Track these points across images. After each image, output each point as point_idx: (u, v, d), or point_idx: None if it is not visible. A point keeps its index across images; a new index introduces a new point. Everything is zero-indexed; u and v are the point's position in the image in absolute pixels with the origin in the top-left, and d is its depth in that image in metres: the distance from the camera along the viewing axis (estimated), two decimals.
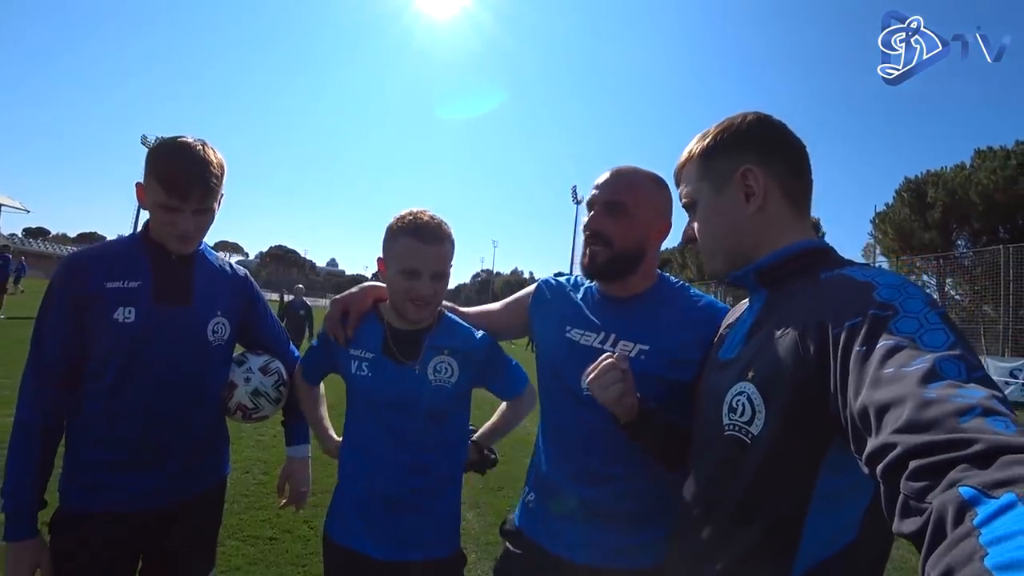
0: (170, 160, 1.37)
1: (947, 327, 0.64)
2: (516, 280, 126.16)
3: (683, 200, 1.09)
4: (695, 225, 1.07)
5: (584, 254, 1.34)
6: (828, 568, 0.80)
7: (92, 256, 1.47)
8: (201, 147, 1.41)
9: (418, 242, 1.36)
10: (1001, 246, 15.56)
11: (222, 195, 1.49)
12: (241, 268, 1.72)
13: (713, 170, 1.01)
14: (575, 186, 57.73)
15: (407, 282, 1.37)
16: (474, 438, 1.60)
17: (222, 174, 1.45)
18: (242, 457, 4.93)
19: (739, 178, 0.97)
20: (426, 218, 1.39)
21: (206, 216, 1.46)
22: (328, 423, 1.73)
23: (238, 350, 1.68)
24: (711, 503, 0.94)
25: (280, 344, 1.79)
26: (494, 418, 1.70)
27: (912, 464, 0.50)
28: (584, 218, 1.37)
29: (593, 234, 1.31)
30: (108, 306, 1.39)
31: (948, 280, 20.51)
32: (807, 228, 1.00)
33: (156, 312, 1.44)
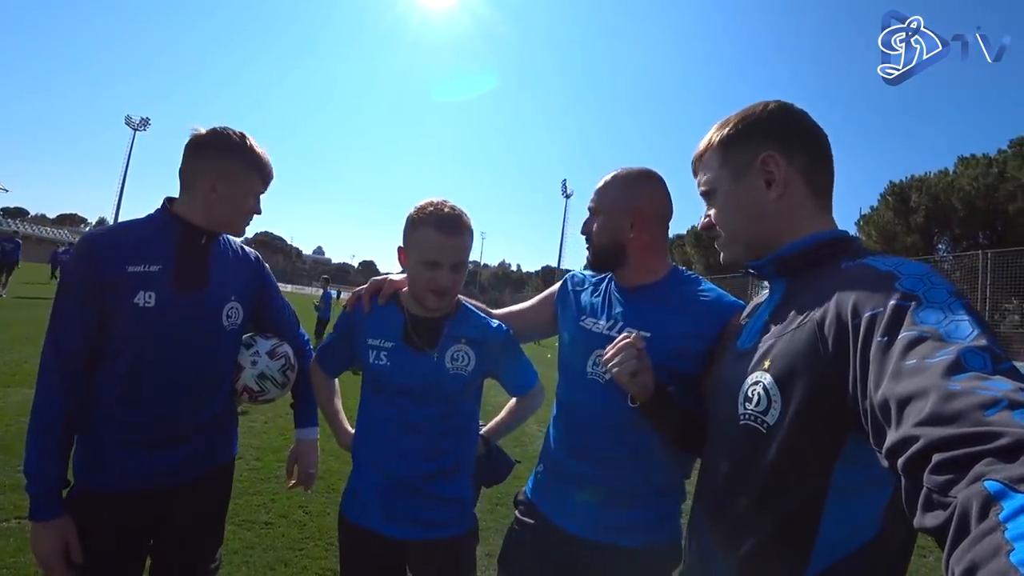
0: None
1: (972, 318, 0.62)
2: (503, 272, 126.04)
3: (701, 188, 1.08)
4: (711, 213, 1.07)
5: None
6: (848, 565, 0.80)
7: (112, 237, 1.46)
8: (241, 136, 1.54)
9: (439, 234, 1.39)
10: (980, 251, 15.88)
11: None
12: (252, 251, 1.73)
13: (733, 157, 1.01)
14: (565, 180, 57.75)
15: (428, 272, 1.41)
16: (482, 432, 1.66)
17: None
18: None
19: (759, 164, 0.97)
20: (447, 209, 1.42)
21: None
22: (343, 416, 1.75)
23: (247, 332, 1.71)
24: (726, 493, 0.94)
25: (290, 327, 1.81)
26: (502, 414, 1.75)
27: (935, 457, 0.49)
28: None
29: (583, 235, 1.50)
30: (129, 290, 1.40)
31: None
32: (829, 218, 0.99)
33: (175, 297, 1.45)
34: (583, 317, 1.48)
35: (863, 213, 26.41)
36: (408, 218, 1.45)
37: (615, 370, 1.14)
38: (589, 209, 1.48)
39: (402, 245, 1.49)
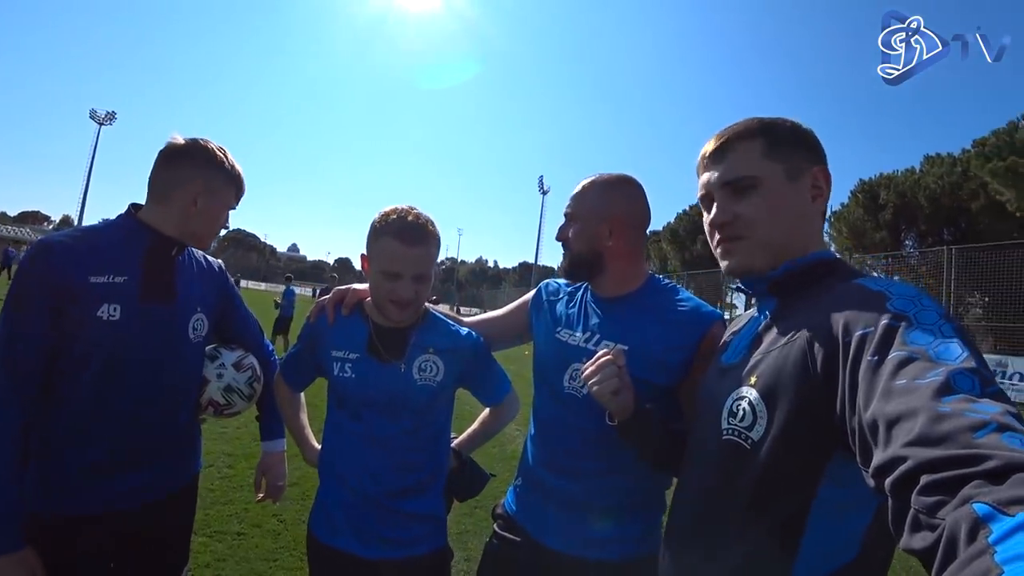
0: None
1: (962, 340, 0.62)
2: (480, 268, 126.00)
3: (731, 176, 0.97)
4: (738, 209, 0.96)
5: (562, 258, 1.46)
6: None
7: (74, 243, 1.34)
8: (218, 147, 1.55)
9: (400, 244, 1.33)
10: (945, 247, 16.35)
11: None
12: (216, 260, 1.67)
13: (790, 156, 0.95)
14: (542, 176, 57.89)
15: (388, 283, 1.35)
16: (453, 445, 1.61)
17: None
18: (206, 451, 4.77)
19: (817, 174, 0.96)
20: (410, 218, 1.35)
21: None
22: (309, 431, 1.69)
23: (211, 344, 1.65)
24: (706, 508, 0.94)
25: (254, 337, 1.75)
26: (474, 425, 1.70)
27: (924, 479, 0.49)
28: None
29: (561, 241, 1.45)
30: (92, 302, 1.31)
31: (896, 278, 21.51)
32: (823, 242, 1.01)
33: (142, 310, 1.38)
34: (558, 328, 1.44)
35: (834, 210, 26.98)
36: (371, 225, 1.39)
37: (595, 388, 1.11)
38: (566, 215, 1.44)
39: (364, 252, 1.43)
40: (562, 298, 1.51)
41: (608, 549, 1.32)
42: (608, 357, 1.12)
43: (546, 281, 1.61)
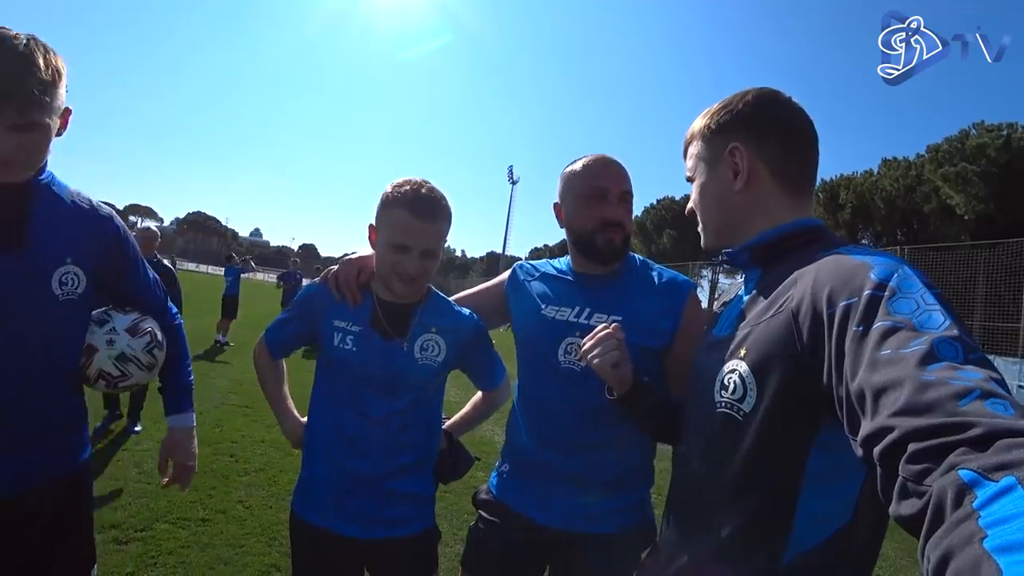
0: None
1: (944, 308, 0.63)
2: (448, 257, 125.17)
3: (686, 175, 1.12)
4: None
5: (606, 239, 1.38)
6: (824, 549, 0.81)
7: None
8: (25, 43, 1.12)
9: (412, 217, 1.29)
10: (898, 247, 17.06)
11: (63, 109, 1.22)
12: (105, 207, 1.41)
13: (709, 148, 1.04)
14: (511, 166, 57.73)
15: (395, 256, 1.32)
16: (444, 426, 1.60)
17: (56, 80, 1.17)
18: None
19: (727, 156, 0.99)
20: (424, 191, 1.32)
21: (32, 134, 1.15)
22: (291, 403, 1.61)
23: (99, 307, 1.44)
24: (703, 480, 0.96)
25: (155, 300, 1.54)
26: (466, 408, 1.67)
27: (911, 447, 0.50)
28: (595, 206, 1.39)
29: (619, 223, 1.39)
30: None
31: None
32: (803, 207, 1.00)
33: None
34: (545, 306, 1.44)
35: None
36: (382, 196, 1.35)
37: (595, 361, 1.12)
38: (625, 194, 1.41)
39: (373, 223, 1.39)
40: (538, 277, 1.53)
41: (602, 522, 1.35)
42: (608, 331, 1.14)
43: (519, 263, 1.62)
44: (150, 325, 1.46)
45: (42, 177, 1.27)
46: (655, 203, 35.61)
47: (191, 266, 78.57)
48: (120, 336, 1.39)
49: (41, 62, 1.13)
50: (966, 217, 19.91)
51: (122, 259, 1.42)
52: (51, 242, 1.26)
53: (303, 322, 1.50)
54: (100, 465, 3.85)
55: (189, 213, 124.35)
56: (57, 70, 1.17)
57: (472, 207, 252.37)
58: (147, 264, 1.53)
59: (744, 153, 0.97)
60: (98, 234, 1.35)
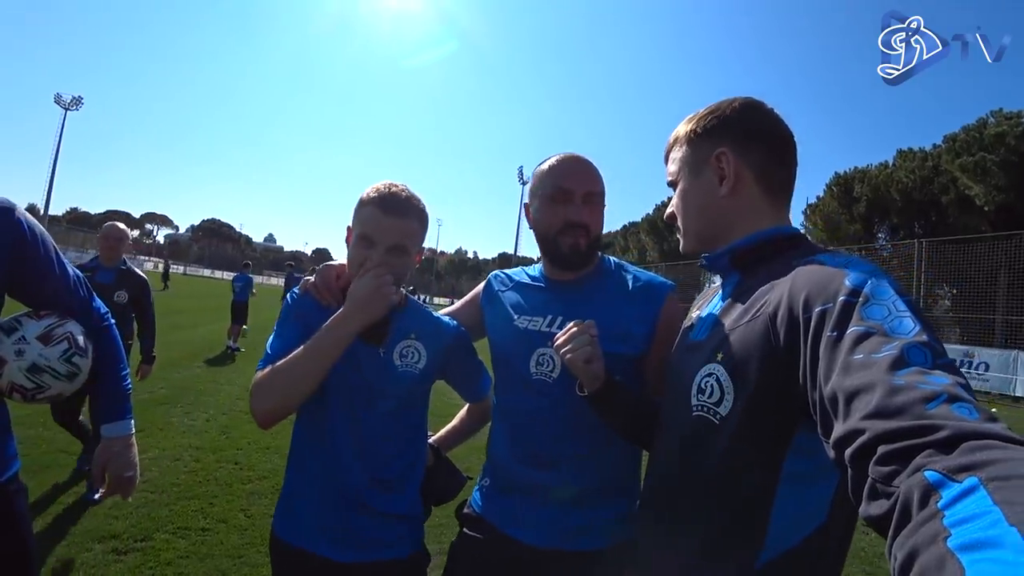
0: None
1: (914, 314, 0.65)
2: (460, 259, 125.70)
3: (667, 179, 1.11)
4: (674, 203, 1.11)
5: (569, 243, 1.33)
6: (799, 550, 0.82)
7: None
8: None
9: (380, 212, 1.30)
10: (915, 240, 16.74)
11: None
12: (7, 200, 1.26)
13: (694, 151, 1.04)
14: (521, 166, 57.98)
15: (363, 251, 1.31)
16: (431, 441, 1.54)
17: None
18: (172, 444, 4.67)
19: (713, 161, 1.00)
20: (395, 190, 1.33)
21: None
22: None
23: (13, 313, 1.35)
24: (678, 483, 0.96)
25: (78, 302, 1.41)
26: (453, 422, 1.61)
27: (880, 449, 0.52)
28: (559, 208, 1.34)
29: (583, 225, 1.33)
30: None
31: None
32: (782, 216, 1.02)
33: None
34: (517, 316, 1.40)
35: (810, 203, 27.43)
36: (359, 198, 1.37)
37: (568, 356, 1.12)
38: (591, 194, 1.34)
39: (349, 225, 1.39)
40: (511, 287, 1.49)
41: (585, 539, 1.29)
42: (581, 327, 1.13)
43: (494, 273, 1.58)
44: (67, 330, 1.34)
45: None
46: (666, 201, 35.33)
47: (206, 272, 79.43)
48: (30, 345, 1.28)
49: None
50: (986, 208, 19.44)
51: (29, 257, 1.28)
52: None
53: (302, 332, 1.35)
54: None
55: (204, 220, 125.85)
56: None
57: (483, 209, 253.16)
58: (65, 261, 1.39)
59: (732, 158, 0.99)
60: None
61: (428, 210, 1.40)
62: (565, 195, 1.33)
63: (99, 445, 1.46)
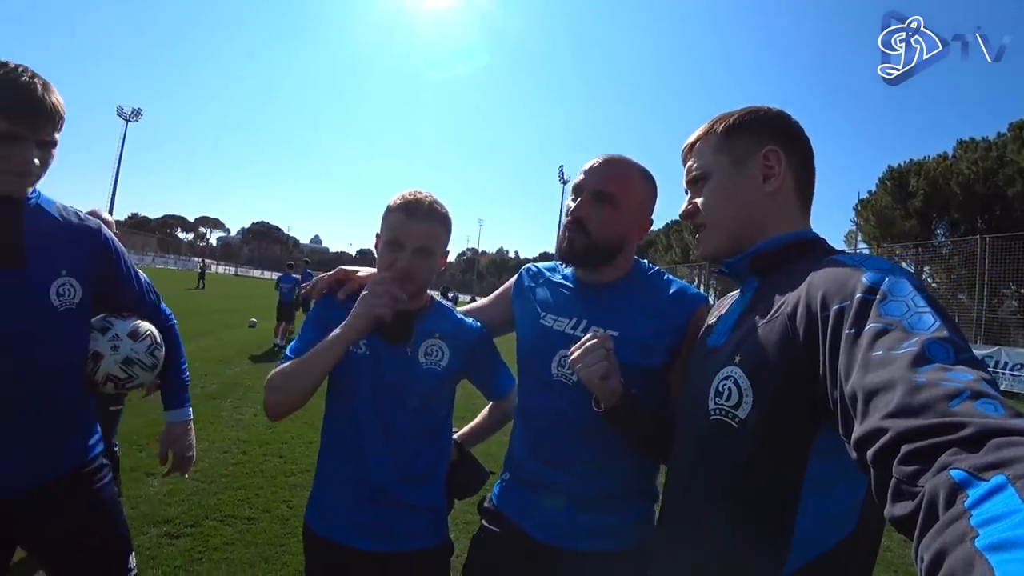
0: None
1: (934, 309, 0.63)
2: (501, 259, 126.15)
3: (692, 174, 1.07)
4: (698, 200, 1.06)
5: (564, 239, 1.33)
6: (829, 560, 0.79)
7: None
8: (34, 73, 1.24)
9: (405, 216, 1.37)
10: (978, 236, 15.83)
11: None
12: (93, 219, 1.48)
13: (735, 146, 1.02)
14: (562, 166, 57.89)
15: (391, 255, 1.38)
16: (455, 437, 1.58)
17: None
18: (221, 437, 4.90)
19: (762, 157, 0.99)
20: (419, 197, 1.40)
21: (50, 151, 1.28)
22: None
23: (97, 314, 1.52)
24: (698, 490, 0.94)
25: (149, 304, 1.63)
26: (477, 419, 1.66)
27: (904, 448, 0.50)
28: (569, 202, 1.36)
29: (575, 221, 1.30)
30: None
31: (926, 268, 20.89)
32: (807, 221, 1.02)
33: None
34: (544, 314, 1.39)
35: (861, 198, 26.35)
36: (386, 206, 1.44)
37: (583, 373, 1.10)
38: (595, 193, 1.29)
39: (379, 232, 1.46)
40: (543, 283, 1.47)
41: (601, 540, 1.29)
42: (595, 340, 1.10)
43: (526, 266, 1.57)
44: (149, 328, 1.55)
45: (33, 195, 1.34)
46: None
47: (255, 272, 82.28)
48: (123, 341, 1.48)
49: (53, 90, 1.26)
50: None
51: (113, 268, 1.50)
52: (46, 257, 1.33)
53: (315, 330, 1.43)
54: (155, 465, 4.06)
55: (254, 223, 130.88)
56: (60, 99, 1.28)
57: (524, 209, 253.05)
58: (136, 270, 1.60)
59: (782, 157, 0.98)
60: (87, 246, 1.43)
61: (451, 215, 1.46)
62: (576, 190, 1.34)
63: (164, 429, 1.69)
